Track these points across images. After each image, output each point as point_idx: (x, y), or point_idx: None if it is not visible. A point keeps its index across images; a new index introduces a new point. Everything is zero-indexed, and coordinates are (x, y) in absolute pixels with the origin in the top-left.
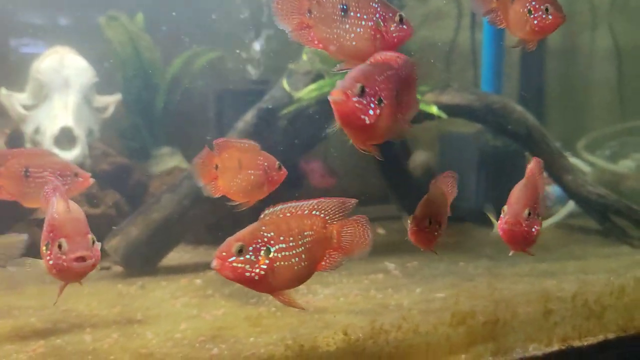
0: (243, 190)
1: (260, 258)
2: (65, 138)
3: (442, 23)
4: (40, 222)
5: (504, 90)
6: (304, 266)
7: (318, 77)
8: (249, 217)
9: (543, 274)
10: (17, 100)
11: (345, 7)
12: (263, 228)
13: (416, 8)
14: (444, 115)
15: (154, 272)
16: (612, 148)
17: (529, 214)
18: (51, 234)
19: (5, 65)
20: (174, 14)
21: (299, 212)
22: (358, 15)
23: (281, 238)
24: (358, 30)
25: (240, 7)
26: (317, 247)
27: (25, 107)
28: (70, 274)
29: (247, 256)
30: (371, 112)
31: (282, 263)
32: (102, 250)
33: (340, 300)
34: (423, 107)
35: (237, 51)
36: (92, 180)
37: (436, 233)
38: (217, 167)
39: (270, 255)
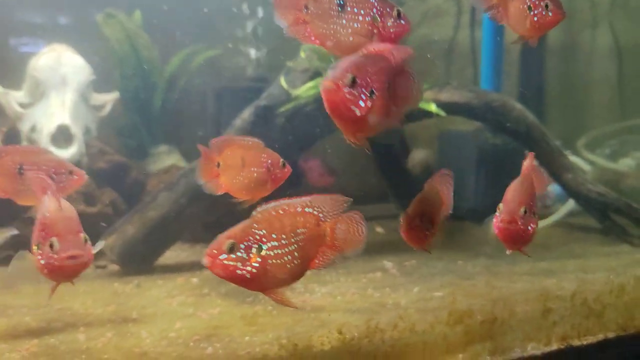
0: (246, 188)
1: (252, 256)
2: (62, 136)
3: (441, 21)
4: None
5: (503, 88)
6: (296, 264)
7: (316, 74)
8: (248, 216)
9: (542, 272)
10: (13, 98)
11: (342, 2)
12: (255, 225)
13: (415, 6)
14: (442, 113)
15: (151, 271)
16: (612, 146)
17: (525, 211)
18: (43, 233)
19: (1, 63)
20: (170, 11)
21: (292, 210)
22: (355, 10)
23: (273, 235)
24: (355, 25)
25: (238, 3)
26: (310, 244)
27: (22, 105)
28: (62, 273)
29: (239, 254)
30: (362, 103)
31: (275, 261)
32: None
33: (338, 299)
34: (422, 105)
35: (231, 46)
36: (86, 178)
37: (428, 232)
38: (219, 164)
39: (262, 253)
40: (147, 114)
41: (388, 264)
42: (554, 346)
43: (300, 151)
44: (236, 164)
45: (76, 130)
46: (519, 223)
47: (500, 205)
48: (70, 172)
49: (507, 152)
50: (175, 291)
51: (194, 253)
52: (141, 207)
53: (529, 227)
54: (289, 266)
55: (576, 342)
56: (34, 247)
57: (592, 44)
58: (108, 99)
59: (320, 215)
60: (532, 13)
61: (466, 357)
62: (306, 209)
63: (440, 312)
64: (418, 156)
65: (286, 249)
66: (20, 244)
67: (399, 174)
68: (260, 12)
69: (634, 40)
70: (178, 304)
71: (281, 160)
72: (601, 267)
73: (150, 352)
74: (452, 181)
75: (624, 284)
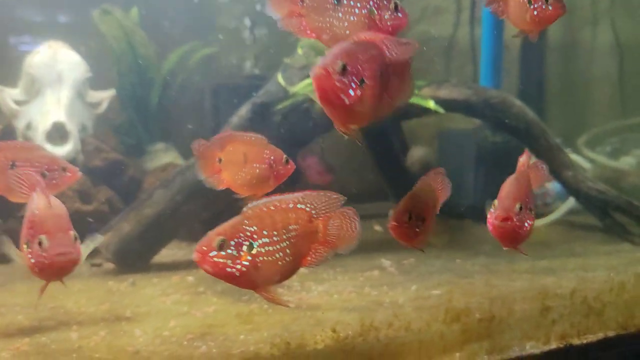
0: (247, 184)
1: (242, 253)
2: (58, 133)
3: (441, 18)
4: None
5: (503, 86)
6: (288, 261)
7: None
8: None
9: (542, 270)
10: (9, 95)
11: None
12: (246, 222)
13: (415, 3)
14: (441, 110)
15: (146, 269)
16: (613, 144)
17: (521, 208)
18: (31, 231)
19: None
20: (166, 7)
21: (283, 206)
22: (351, 3)
23: (265, 232)
24: (351, 18)
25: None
26: (303, 241)
27: (18, 103)
28: (51, 271)
29: (229, 251)
30: (352, 92)
31: (266, 258)
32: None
33: (334, 298)
34: (420, 101)
35: (229, 43)
36: (80, 175)
37: (418, 229)
38: (220, 160)
39: (253, 251)
40: (144, 112)
41: (386, 262)
42: (553, 345)
43: (297, 148)
44: (238, 159)
45: (72, 128)
46: (515, 220)
47: (495, 202)
48: (64, 169)
49: (507, 150)
50: (171, 289)
51: (190, 251)
52: (137, 205)
53: (525, 224)
54: (280, 263)
55: (576, 341)
56: (24, 246)
57: (593, 41)
58: (104, 96)
59: (313, 211)
60: (532, 7)
61: (463, 356)
62: (298, 205)
63: (437, 311)
64: (417, 154)
65: (278, 246)
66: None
67: (397, 172)
68: (257, 9)
69: (635, 38)
70: (173, 302)
71: (284, 156)
72: (602, 265)
73: (143, 350)
74: (446, 180)
75: (624, 282)
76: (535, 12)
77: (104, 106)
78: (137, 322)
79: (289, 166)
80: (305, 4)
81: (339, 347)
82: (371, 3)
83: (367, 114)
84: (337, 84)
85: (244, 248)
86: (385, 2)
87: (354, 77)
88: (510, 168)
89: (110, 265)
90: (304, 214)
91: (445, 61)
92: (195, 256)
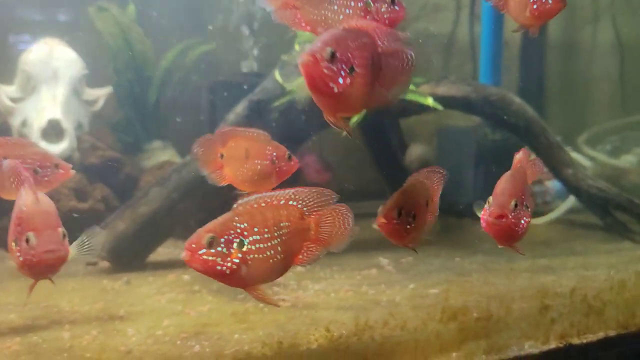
0: (249, 180)
1: (232, 251)
2: (53, 131)
3: (440, 15)
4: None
5: (503, 83)
6: (279, 259)
7: None
8: None
9: (542, 269)
10: (4, 92)
11: None
12: (236, 219)
13: (414, 1)
14: (439, 107)
15: (142, 268)
16: (613, 143)
17: (516, 205)
18: (19, 228)
19: None
20: (164, 4)
21: (275, 202)
22: None
23: (255, 229)
24: (347, 11)
25: None
26: (294, 239)
27: (13, 100)
28: (40, 269)
29: (219, 248)
30: (340, 80)
31: (256, 256)
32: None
33: (331, 296)
34: (418, 98)
35: (226, 40)
36: (73, 173)
37: (409, 226)
38: (222, 156)
39: (244, 248)
40: (141, 109)
41: (384, 260)
42: (553, 344)
43: (295, 146)
44: (240, 155)
45: (67, 125)
46: (510, 217)
47: (490, 199)
48: (56, 166)
49: (506, 148)
50: (166, 288)
51: None
52: (132, 203)
53: (521, 222)
54: (271, 261)
55: (575, 341)
56: (12, 244)
57: (594, 39)
58: (101, 93)
59: (304, 208)
60: (532, 1)
61: (460, 356)
62: (290, 202)
63: (434, 309)
64: (416, 152)
65: (268, 244)
66: None
67: (395, 170)
68: (255, 5)
69: (635, 36)
70: (167, 301)
71: (287, 153)
72: (602, 263)
73: (135, 350)
74: (442, 179)
75: (625, 281)
76: (535, 7)
77: (100, 104)
78: (131, 321)
79: (292, 163)
80: None
81: (332, 346)
82: None
83: (358, 103)
84: (326, 71)
85: (234, 245)
86: None
87: (343, 65)
88: (510, 166)
89: (105, 264)
90: (296, 211)
91: (444, 59)
92: (184, 254)
